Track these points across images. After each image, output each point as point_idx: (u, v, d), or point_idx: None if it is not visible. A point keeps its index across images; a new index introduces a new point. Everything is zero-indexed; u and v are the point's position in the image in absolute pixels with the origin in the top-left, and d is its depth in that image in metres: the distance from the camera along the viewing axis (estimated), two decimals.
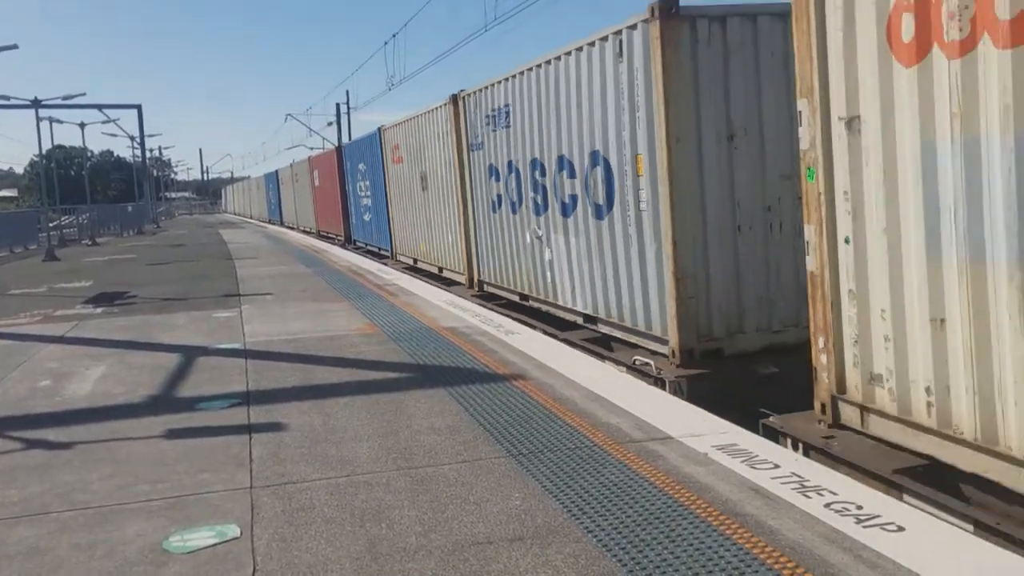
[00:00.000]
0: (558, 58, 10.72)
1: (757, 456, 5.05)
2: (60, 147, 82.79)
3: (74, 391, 7.64)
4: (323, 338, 9.70)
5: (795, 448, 6.10)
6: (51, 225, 33.82)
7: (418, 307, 11.87)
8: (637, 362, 8.93)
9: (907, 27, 5.12)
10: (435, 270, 18.18)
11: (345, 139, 53.24)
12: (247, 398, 7.07)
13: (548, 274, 11.77)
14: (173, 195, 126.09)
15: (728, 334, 8.59)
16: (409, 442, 5.66)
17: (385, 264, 20.33)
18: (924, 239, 5.17)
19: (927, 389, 5.25)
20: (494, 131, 13.51)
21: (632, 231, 9.24)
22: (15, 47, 21.12)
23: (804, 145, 6.14)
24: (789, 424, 6.40)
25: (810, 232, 6.17)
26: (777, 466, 4.86)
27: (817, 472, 4.77)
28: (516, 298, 13.26)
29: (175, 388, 7.60)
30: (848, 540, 3.86)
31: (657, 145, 8.48)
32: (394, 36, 44.23)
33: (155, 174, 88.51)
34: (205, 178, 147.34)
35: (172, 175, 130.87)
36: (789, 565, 3.67)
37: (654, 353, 8.90)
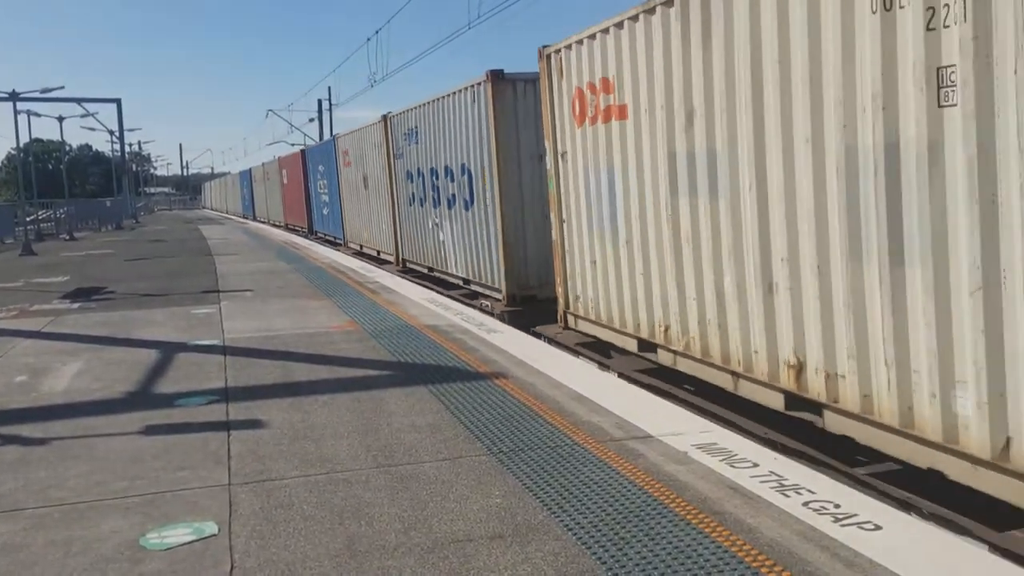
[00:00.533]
0: (443, 98, 15.09)
1: (736, 455, 5.08)
2: (38, 141, 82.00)
3: (51, 387, 7.57)
4: (303, 335, 9.66)
5: (548, 342, 10.23)
6: (28, 219, 33.46)
7: (400, 305, 11.84)
8: (483, 305, 13.43)
9: (577, 108, 10.07)
10: (375, 253, 22.08)
11: (327, 135, 53.23)
12: (226, 395, 7.02)
13: (442, 251, 16.19)
14: (152, 190, 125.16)
15: (539, 285, 12.81)
16: (389, 440, 5.64)
17: (338, 249, 24.39)
18: (587, 220, 10.15)
19: (594, 300, 10.16)
20: (409, 145, 17.83)
21: (485, 218, 13.63)
22: None
23: (548, 167, 11.01)
24: (544, 330, 11.28)
25: (552, 217, 11.14)
26: (756, 465, 4.88)
27: (796, 471, 4.80)
28: (425, 270, 17.46)
29: (153, 384, 7.54)
30: (826, 538, 3.89)
31: (495, 161, 12.88)
32: (376, 33, 44.18)
33: (134, 169, 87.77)
34: (185, 173, 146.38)
35: (152, 170, 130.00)
36: (767, 563, 3.69)
37: (496, 300, 13.27)
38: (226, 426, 6.11)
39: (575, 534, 4.05)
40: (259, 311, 11.67)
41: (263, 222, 47.52)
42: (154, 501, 4.71)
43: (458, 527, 4.20)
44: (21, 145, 43.11)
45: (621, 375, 8.60)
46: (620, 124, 9.01)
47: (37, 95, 36.92)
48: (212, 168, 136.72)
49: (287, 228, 38.51)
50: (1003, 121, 4.62)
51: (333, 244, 27.33)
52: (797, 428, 6.63)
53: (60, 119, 49.00)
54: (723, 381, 7.44)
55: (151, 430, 6.09)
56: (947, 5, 4.84)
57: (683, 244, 8.03)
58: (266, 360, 8.35)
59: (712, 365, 7.65)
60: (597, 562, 3.76)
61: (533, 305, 12.54)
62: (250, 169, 56.98)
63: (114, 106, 52.55)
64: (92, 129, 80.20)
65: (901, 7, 5.21)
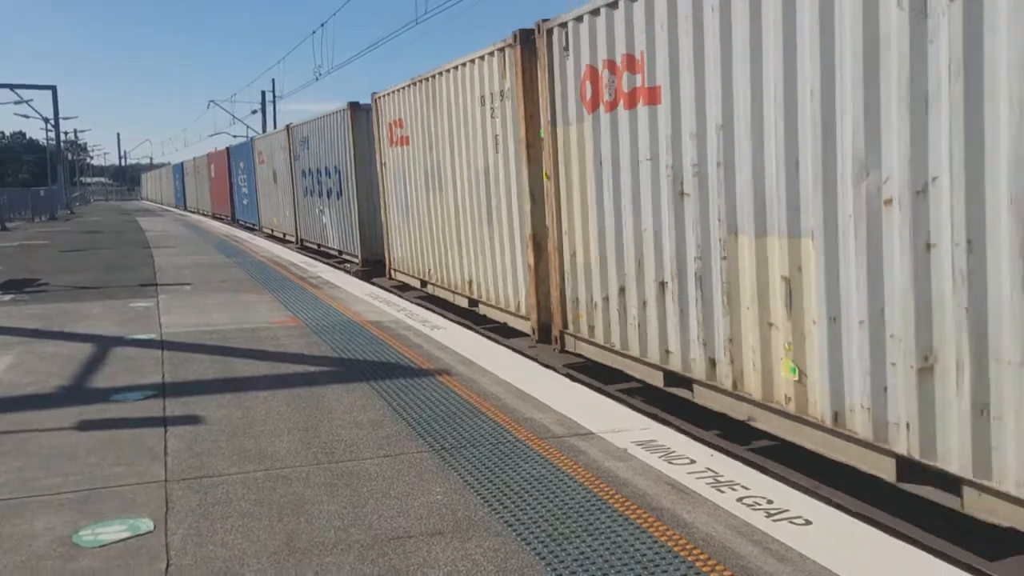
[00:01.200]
0: (324, 117, 19.86)
1: (675, 452, 5.17)
2: None
3: None
4: (243, 330, 9.54)
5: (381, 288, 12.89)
6: None
7: (342, 301, 11.76)
8: (347, 267, 17.86)
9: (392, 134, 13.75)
10: (281, 236, 26.72)
11: (271, 127, 52.60)
12: (163, 390, 6.91)
13: (325, 231, 21.06)
14: (89, 180, 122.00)
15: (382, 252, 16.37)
16: (330, 436, 5.62)
17: (254, 234, 28.63)
18: (394, 206, 14.87)
19: (400, 257, 14.59)
20: (304, 150, 22.60)
21: (349, 207, 18.49)
22: None
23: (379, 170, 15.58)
24: (379, 281, 15.48)
25: (381, 205, 16.01)
26: (693, 461, 4.98)
27: (731, 468, 4.91)
28: (315, 247, 22.28)
29: (88, 379, 7.38)
30: (758, 533, 3.99)
31: (353, 165, 17.95)
32: (322, 26, 43.71)
33: (70, 158, 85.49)
34: (123, 164, 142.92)
35: (88, 160, 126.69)
36: (702, 557, 3.77)
37: (354, 263, 18.12)
38: (163, 422, 6.02)
39: (515, 530, 4.09)
40: (198, 305, 11.49)
41: (193, 212, 51.60)
42: (89, 498, 4.62)
43: (398, 524, 4.20)
44: None
45: (547, 366, 8.84)
46: (403, 149, 14.28)
47: None
48: (151, 159, 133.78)
49: (213, 216, 42.97)
50: None
51: (250, 229, 31.97)
52: (721, 423, 6.78)
53: None
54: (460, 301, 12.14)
55: (86, 425, 5.96)
56: None
57: (439, 219, 12.77)
58: (205, 355, 8.24)
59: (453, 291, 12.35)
60: (536, 558, 3.80)
61: (379, 267, 16.84)
62: (182, 163, 60.98)
63: (49, 93, 51.17)
64: (26, 116, 77.97)
65: None
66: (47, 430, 5.88)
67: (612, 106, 7.76)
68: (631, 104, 7.46)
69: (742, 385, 6.42)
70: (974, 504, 4.68)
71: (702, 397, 6.93)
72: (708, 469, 4.85)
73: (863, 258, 5.21)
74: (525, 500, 4.47)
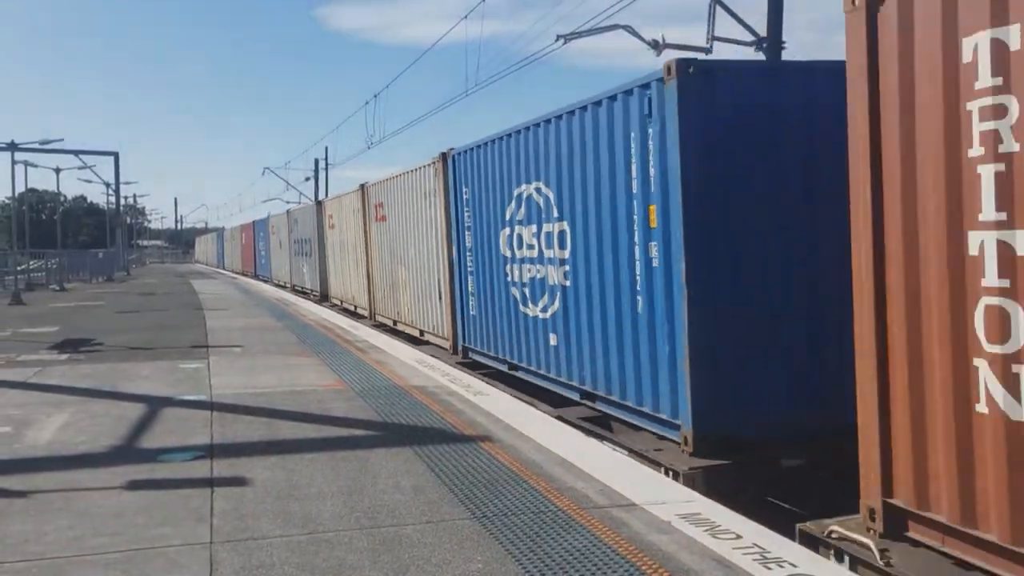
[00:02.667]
0: (300, 208, 34.22)
1: (720, 525, 5.08)
2: (33, 191, 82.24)
3: (34, 439, 7.53)
4: (290, 392, 9.65)
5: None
6: (18, 269, 33.44)
7: (388, 365, 11.85)
8: (311, 296, 28.30)
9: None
10: (279, 284, 38.45)
11: (322, 195, 53.94)
12: (211, 451, 7.00)
13: (303, 278, 32.30)
14: (145, 243, 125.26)
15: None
16: (373, 501, 5.63)
17: (266, 282, 39.27)
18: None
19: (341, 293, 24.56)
20: (296, 226, 34.42)
21: (315, 260, 29.23)
22: None
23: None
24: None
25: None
26: (739, 536, 4.89)
27: (778, 544, 4.81)
28: (307, 292, 31.00)
29: (138, 439, 7.51)
30: None
31: (317, 237, 29.21)
32: (375, 97, 44.95)
33: (128, 221, 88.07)
34: (179, 227, 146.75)
35: (146, 223, 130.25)
36: None
37: (315, 294, 29.62)
38: (210, 483, 6.09)
39: None
40: (247, 367, 11.66)
41: (228, 270, 63.70)
42: (134, 558, 4.67)
43: None
44: (16, 195, 43.21)
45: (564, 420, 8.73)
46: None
47: (36, 146, 37.22)
48: (206, 223, 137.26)
49: (241, 274, 55.24)
50: None
51: (265, 280, 43.36)
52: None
53: (57, 170, 49.22)
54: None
55: (134, 485, 6.05)
56: None
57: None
58: (252, 417, 8.34)
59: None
60: None
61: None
62: (223, 230, 77.30)
63: (111, 159, 53.03)
64: (88, 181, 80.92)
65: None
66: (96, 489, 5.98)
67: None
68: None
69: None
70: None
71: None
72: (755, 544, 4.75)
73: None
74: (567, 572, 4.42)
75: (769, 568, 4.40)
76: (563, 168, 9.96)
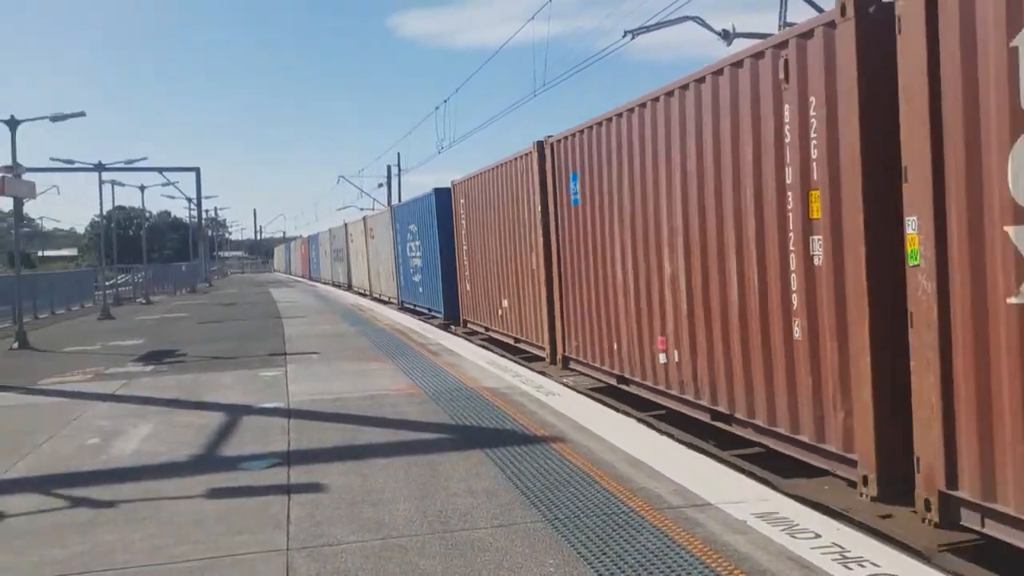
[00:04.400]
0: (336, 228, 48.18)
1: (798, 525, 4.95)
2: (120, 208, 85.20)
3: (120, 449, 7.78)
4: (364, 397, 9.77)
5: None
6: (107, 284, 34.71)
7: (460, 367, 11.91)
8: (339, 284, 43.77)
9: None
10: (325, 281, 52.26)
11: (395, 200, 54.60)
12: (288, 458, 7.13)
13: (336, 276, 48.30)
14: (226, 254, 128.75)
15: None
16: (445, 505, 5.65)
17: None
18: None
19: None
20: (332, 239, 49.83)
21: (345, 264, 44.48)
22: (82, 114, 21.98)
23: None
24: None
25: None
26: (818, 535, 4.76)
27: (858, 542, 4.66)
28: (334, 284, 47.50)
29: (218, 447, 7.69)
30: None
31: (347, 246, 43.23)
32: (445, 102, 45.25)
33: (209, 234, 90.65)
34: (258, 237, 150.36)
35: (227, 235, 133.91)
36: None
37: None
38: (286, 490, 6.20)
39: None
40: (323, 374, 11.85)
41: (293, 274, 79.62)
42: (214, 565, 4.78)
43: None
44: (104, 212, 44.89)
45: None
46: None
47: (121, 165, 38.48)
48: (284, 232, 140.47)
49: (299, 276, 70.67)
50: None
51: (312, 280, 59.40)
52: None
53: (142, 188, 50.82)
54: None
55: (214, 493, 6.20)
56: None
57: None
58: (328, 423, 8.47)
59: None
60: None
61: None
62: (289, 243, 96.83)
63: (192, 174, 54.65)
64: (172, 197, 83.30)
65: None
66: (178, 498, 6.14)
67: None
68: None
69: None
70: None
71: None
72: (834, 544, 4.62)
73: None
74: (639, 574, 4.36)
75: (849, 568, 4.27)
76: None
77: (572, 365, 12.68)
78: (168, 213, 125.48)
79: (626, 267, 10.37)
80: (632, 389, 10.41)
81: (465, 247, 19.64)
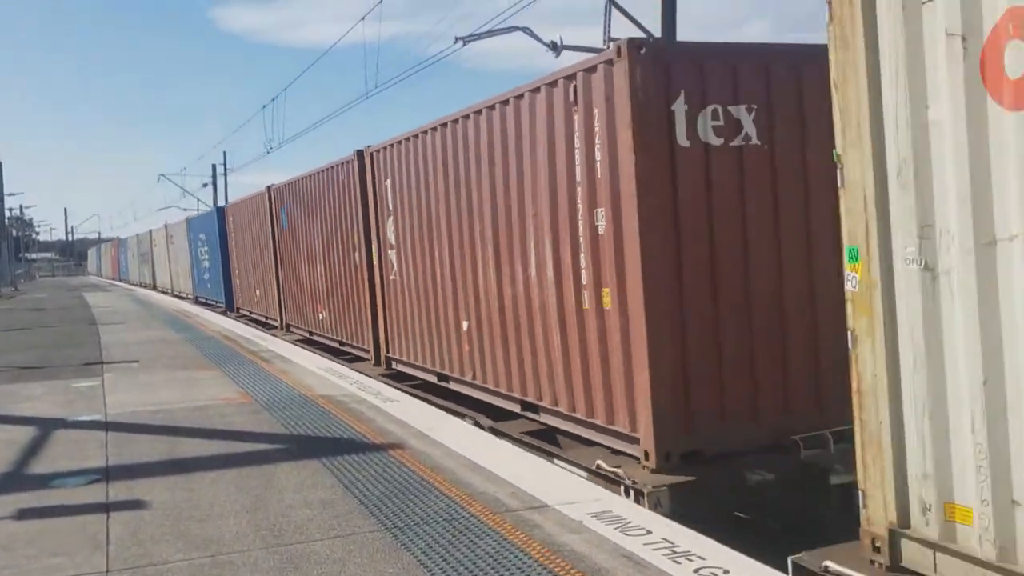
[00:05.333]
0: (144, 232, 51.42)
1: (630, 522, 5.12)
2: None
3: None
4: (191, 408, 9.33)
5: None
6: None
7: (293, 374, 11.60)
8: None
9: None
10: (135, 283, 54.30)
11: (221, 201, 52.70)
12: (106, 474, 6.70)
13: (145, 277, 50.77)
14: (34, 256, 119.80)
15: None
16: (279, 518, 5.47)
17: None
18: None
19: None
20: (138, 245, 54.99)
21: (150, 265, 49.04)
22: None
23: None
24: None
25: None
26: (649, 532, 4.94)
27: (687, 538, 4.87)
28: (145, 284, 49.22)
29: (27, 464, 7.13)
30: None
31: (151, 251, 47.80)
32: (273, 100, 44.07)
33: (15, 234, 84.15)
34: (70, 239, 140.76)
35: (34, 235, 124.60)
36: None
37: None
38: (105, 507, 5.83)
39: None
40: (146, 383, 11.23)
41: (104, 277, 79.53)
42: None
43: None
44: None
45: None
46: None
47: None
48: (99, 233, 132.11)
49: (110, 278, 73.51)
50: None
51: (120, 282, 61.93)
52: None
53: None
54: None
55: (24, 514, 5.74)
56: None
57: None
58: (151, 436, 8.03)
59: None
60: None
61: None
62: (99, 246, 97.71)
63: None
64: None
65: None
66: None
67: None
68: None
69: None
70: None
71: None
72: (664, 540, 4.81)
73: None
74: None
75: (679, 563, 4.46)
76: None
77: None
78: None
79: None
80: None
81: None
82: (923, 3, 4.02)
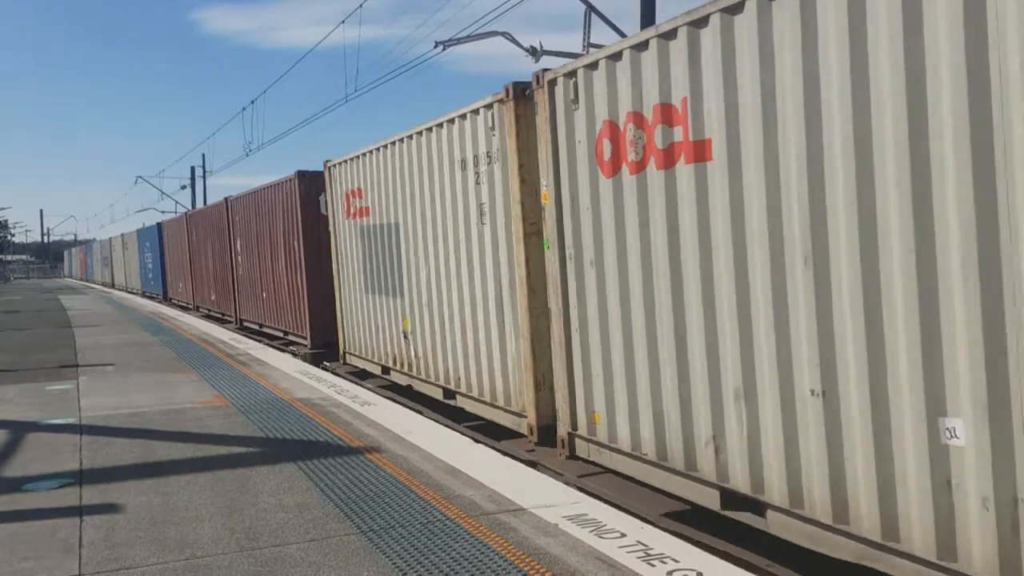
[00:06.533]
0: (108, 238, 55.68)
1: (605, 525, 5.15)
2: None
3: None
4: (167, 411, 9.27)
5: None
6: None
7: (270, 377, 11.55)
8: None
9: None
10: (98, 282, 60.84)
11: (200, 203, 52.41)
12: (80, 477, 6.65)
13: (107, 277, 57.74)
14: (9, 258, 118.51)
15: None
16: (254, 521, 5.46)
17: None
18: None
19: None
20: (105, 249, 58.96)
21: (119, 266, 52.45)
22: None
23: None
24: None
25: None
26: (623, 535, 4.97)
27: (661, 541, 4.90)
28: (107, 284, 56.43)
29: None
30: None
31: (123, 254, 50.21)
32: (252, 103, 43.83)
33: None
34: (46, 240, 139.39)
35: (9, 237, 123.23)
36: None
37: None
38: (79, 511, 5.78)
39: None
40: (120, 386, 11.15)
41: (73, 278, 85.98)
42: None
43: None
44: None
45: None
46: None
47: None
48: (75, 236, 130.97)
49: (78, 278, 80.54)
50: None
51: (93, 284, 62.99)
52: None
53: None
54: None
55: None
56: None
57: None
58: (125, 439, 7.97)
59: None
60: None
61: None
62: (71, 250, 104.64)
63: None
64: None
65: None
66: None
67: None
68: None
69: None
70: None
71: None
72: (639, 543, 4.84)
73: None
74: None
75: (653, 565, 4.48)
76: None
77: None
78: None
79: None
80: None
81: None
82: (577, 142, 7.37)
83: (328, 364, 14.34)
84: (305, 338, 16.18)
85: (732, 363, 5.70)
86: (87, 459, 7.24)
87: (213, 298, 25.07)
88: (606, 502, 6.09)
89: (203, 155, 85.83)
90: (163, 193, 73.72)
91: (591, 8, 14.66)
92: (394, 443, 7.48)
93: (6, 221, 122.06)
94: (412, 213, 10.85)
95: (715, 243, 5.78)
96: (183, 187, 60.29)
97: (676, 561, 4.52)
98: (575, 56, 14.73)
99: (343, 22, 21.60)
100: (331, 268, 14.31)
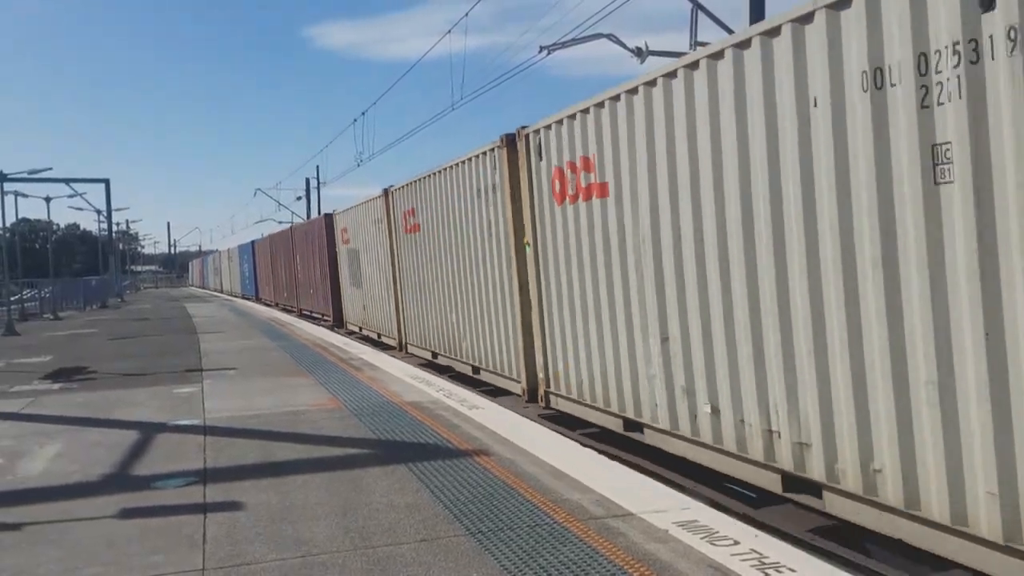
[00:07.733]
0: (225, 250, 68.37)
1: (717, 532, 5.04)
2: (25, 220, 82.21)
3: (27, 470, 7.47)
4: (284, 414, 9.59)
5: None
6: (12, 299, 33.32)
7: (382, 381, 11.80)
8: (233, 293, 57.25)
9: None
10: (214, 288, 72.11)
11: (314, 213, 54.13)
12: (204, 476, 6.95)
13: (220, 285, 69.69)
14: (139, 268, 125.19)
15: None
16: (367, 521, 5.58)
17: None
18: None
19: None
20: (222, 260, 69.04)
21: (235, 275, 59.28)
22: None
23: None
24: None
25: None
26: (737, 543, 4.85)
27: (776, 549, 4.77)
28: (221, 289, 67.79)
29: (130, 466, 7.45)
30: None
31: (239, 266, 56.93)
32: (363, 114, 45.03)
33: (121, 248, 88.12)
34: (173, 251, 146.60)
35: (139, 248, 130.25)
36: None
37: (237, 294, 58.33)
38: (203, 508, 6.04)
39: None
40: (242, 390, 11.60)
41: (194, 286, 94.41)
42: None
43: None
44: (7, 225, 43.08)
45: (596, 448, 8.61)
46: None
47: (25, 176, 36.98)
48: (200, 246, 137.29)
49: (199, 287, 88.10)
50: None
51: (203, 287, 77.76)
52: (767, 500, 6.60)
53: (47, 199, 48.96)
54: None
55: (127, 513, 6.00)
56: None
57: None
58: (246, 440, 8.28)
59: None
60: None
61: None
62: (193, 261, 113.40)
63: (102, 186, 52.84)
64: (80, 209, 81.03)
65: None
66: (89, 519, 5.92)
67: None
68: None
69: None
70: None
71: None
72: (752, 551, 4.72)
73: None
74: None
75: (767, 574, 4.36)
76: None
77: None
78: (77, 226, 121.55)
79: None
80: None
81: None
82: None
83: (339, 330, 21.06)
84: (329, 316, 26.46)
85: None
86: (210, 458, 7.56)
87: (285, 295, 36.35)
88: (718, 508, 5.96)
89: (317, 167, 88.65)
90: (280, 204, 76.85)
91: (698, 6, 14.43)
92: (501, 446, 7.53)
93: (136, 233, 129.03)
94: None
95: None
96: (298, 198, 62.40)
97: (792, 571, 4.39)
98: (680, 55, 14.53)
99: (449, 31, 21.91)
100: (338, 273, 24.22)
